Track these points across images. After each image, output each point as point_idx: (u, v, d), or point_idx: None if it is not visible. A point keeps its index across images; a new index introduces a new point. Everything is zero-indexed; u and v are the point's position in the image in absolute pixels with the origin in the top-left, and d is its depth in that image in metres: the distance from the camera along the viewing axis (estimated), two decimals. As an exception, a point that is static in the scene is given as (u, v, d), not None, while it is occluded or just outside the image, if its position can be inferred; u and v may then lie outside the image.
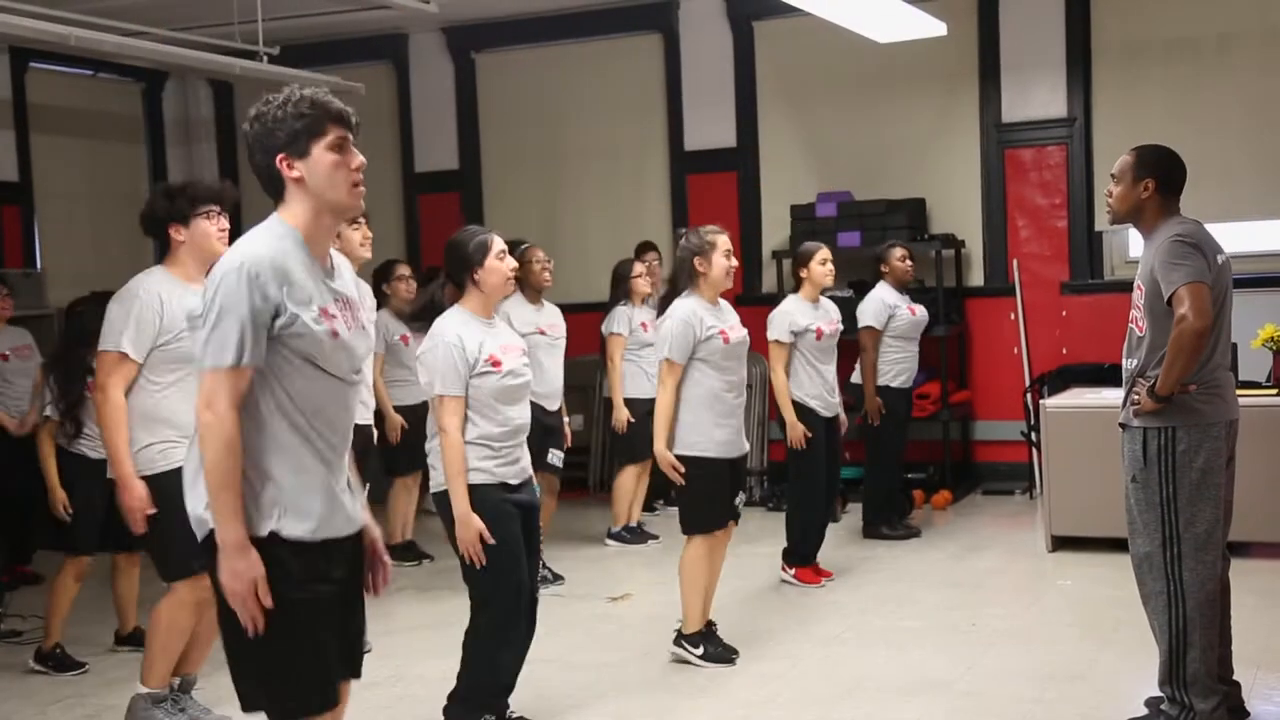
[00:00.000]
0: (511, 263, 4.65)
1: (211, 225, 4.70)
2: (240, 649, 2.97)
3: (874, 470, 7.81)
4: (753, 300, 9.78)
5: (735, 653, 5.47)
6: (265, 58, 9.19)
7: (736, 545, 7.87)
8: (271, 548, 2.89)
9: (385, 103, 10.74)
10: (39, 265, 9.89)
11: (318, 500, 2.96)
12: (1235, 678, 4.53)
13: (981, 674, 5.20)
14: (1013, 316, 9.17)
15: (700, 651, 5.44)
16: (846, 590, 6.63)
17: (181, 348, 4.50)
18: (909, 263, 7.83)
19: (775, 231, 9.65)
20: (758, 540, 8.06)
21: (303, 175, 2.97)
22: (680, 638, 5.50)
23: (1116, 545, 5.25)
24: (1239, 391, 4.50)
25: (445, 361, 4.39)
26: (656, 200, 10.13)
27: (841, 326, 6.93)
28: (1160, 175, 4.36)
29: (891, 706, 4.89)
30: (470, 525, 4.38)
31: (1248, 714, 4.52)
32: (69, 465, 5.69)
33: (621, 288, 8.05)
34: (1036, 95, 9.10)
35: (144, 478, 4.61)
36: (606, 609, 6.48)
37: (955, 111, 9.28)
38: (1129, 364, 4.44)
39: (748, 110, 9.80)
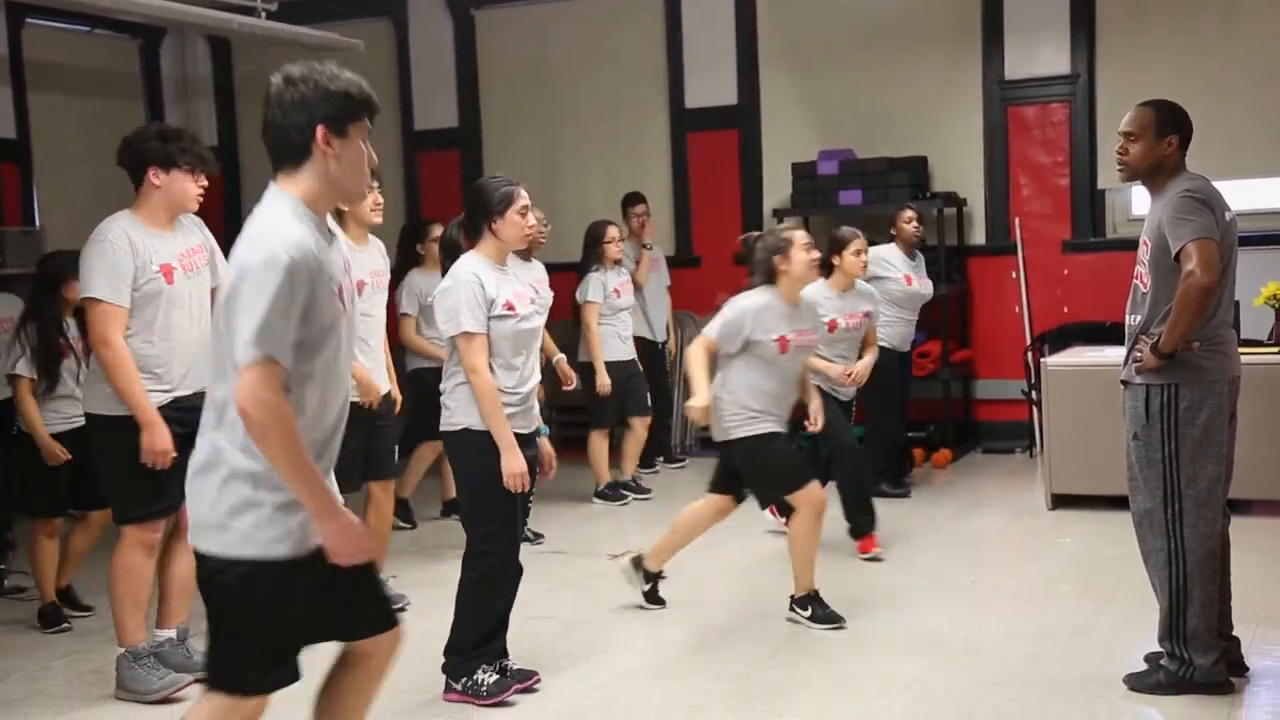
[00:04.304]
0: (532, 220, 4.66)
1: (192, 182, 4.69)
2: None
3: (870, 430, 7.78)
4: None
5: (842, 619, 5.36)
6: (263, 14, 9.13)
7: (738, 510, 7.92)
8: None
9: (384, 60, 10.66)
10: (37, 223, 9.86)
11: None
12: (1235, 634, 4.55)
13: (982, 632, 5.22)
14: (1014, 275, 9.14)
15: (809, 614, 5.38)
16: (846, 550, 6.64)
17: (147, 290, 4.57)
18: (915, 225, 7.79)
19: (776, 190, 9.61)
20: (750, 504, 8.08)
21: (335, 154, 2.97)
22: (792, 602, 5.45)
23: (1116, 503, 5.26)
24: (1240, 349, 4.48)
25: (467, 298, 4.41)
26: (657, 158, 10.08)
27: (867, 320, 6.61)
28: (1183, 130, 4.33)
29: (892, 665, 4.91)
30: (516, 458, 4.42)
31: (1247, 669, 4.54)
32: (29, 443, 5.71)
33: (594, 251, 7.96)
34: (1040, 52, 9.04)
35: (100, 417, 4.66)
36: (607, 566, 6.49)
37: (958, 68, 9.22)
38: (1132, 320, 4.42)
39: (749, 68, 9.74)
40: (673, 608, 5.69)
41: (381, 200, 5.52)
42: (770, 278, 5.42)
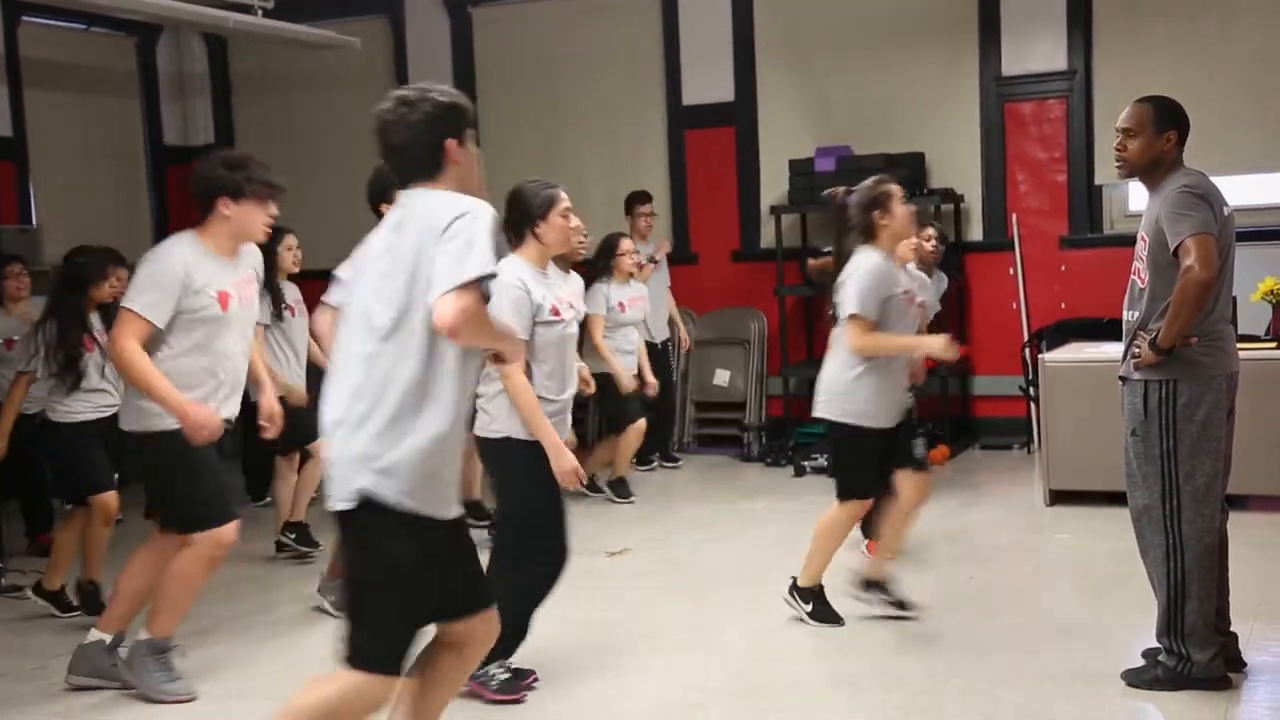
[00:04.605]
0: (576, 222, 4.64)
1: (262, 212, 4.73)
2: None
3: None
4: (750, 256, 9.78)
5: (841, 619, 5.29)
6: (260, 11, 9.13)
7: (735, 501, 7.94)
8: None
9: (381, 57, 10.66)
10: (34, 221, 9.85)
11: None
12: (1232, 629, 4.55)
13: (979, 628, 5.22)
14: (1012, 271, 9.15)
15: (809, 609, 5.29)
16: (844, 545, 6.64)
17: (202, 315, 4.59)
18: (934, 244, 7.18)
19: (773, 187, 9.61)
20: (755, 495, 8.09)
21: (462, 161, 3.32)
22: (794, 589, 5.34)
23: (1114, 499, 5.27)
24: (1238, 345, 4.48)
25: (512, 302, 4.39)
26: (654, 156, 10.07)
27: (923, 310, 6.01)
28: (1181, 126, 4.33)
29: (889, 659, 4.91)
30: (566, 455, 4.40)
31: (1244, 664, 4.54)
32: (55, 432, 5.75)
33: (607, 262, 7.86)
34: (1037, 48, 9.04)
35: (152, 434, 4.64)
36: (606, 564, 6.49)
37: (955, 65, 9.22)
38: (1130, 316, 4.42)
39: (746, 65, 9.74)
40: (670, 606, 5.69)
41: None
42: (869, 235, 5.13)
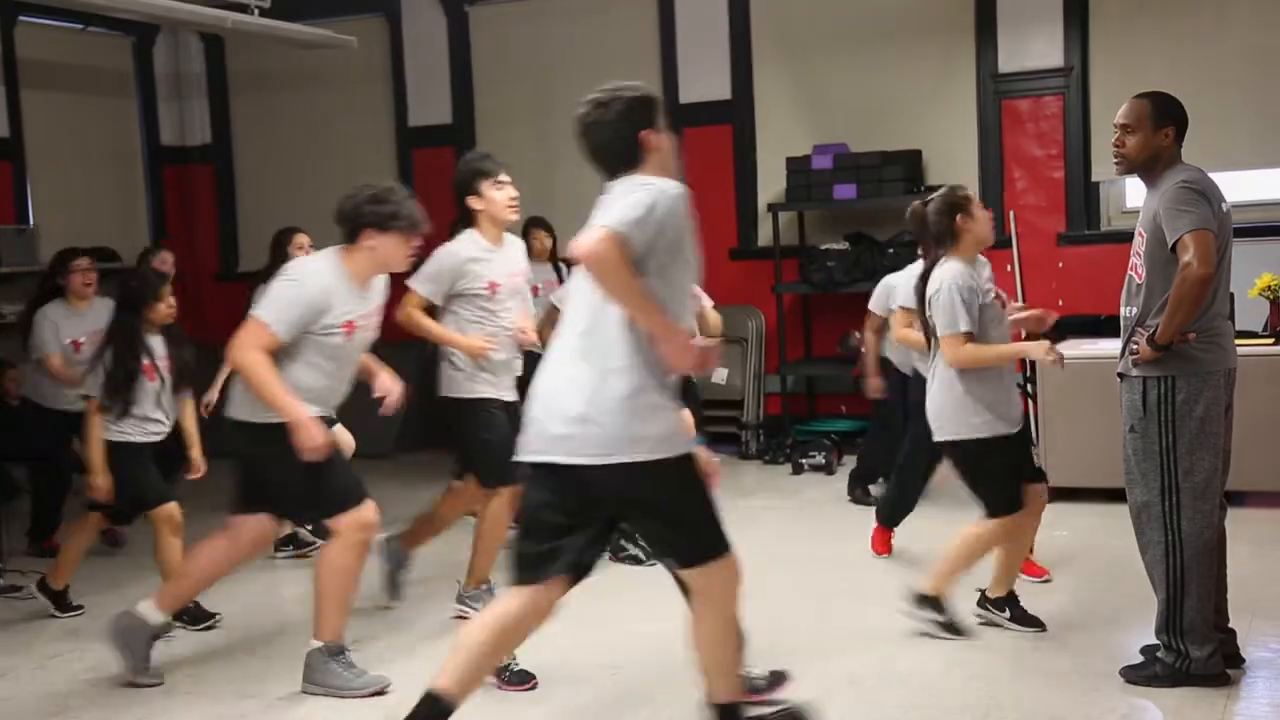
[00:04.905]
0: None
1: (405, 246, 4.79)
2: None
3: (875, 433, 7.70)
4: (747, 254, 9.78)
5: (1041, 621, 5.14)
6: (257, 11, 9.12)
7: (733, 499, 7.92)
8: None
9: (378, 56, 10.66)
10: (31, 221, 9.84)
11: None
12: (1230, 625, 4.56)
13: (977, 624, 5.22)
14: (1009, 268, 9.12)
15: (1006, 615, 5.15)
16: (841, 543, 6.65)
17: (326, 340, 4.70)
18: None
19: (771, 185, 9.60)
20: (753, 494, 8.09)
21: (660, 148, 3.66)
22: (985, 600, 5.20)
23: (1112, 496, 5.27)
24: (1236, 341, 4.49)
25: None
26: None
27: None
28: (1179, 121, 4.33)
29: (889, 656, 4.92)
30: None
31: (1242, 661, 4.55)
32: (112, 451, 5.64)
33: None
34: (1033, 45, 9.03)
35: (268, 425, 4.65)
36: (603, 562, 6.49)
37: (952, 62, 9.22)
38: (1127, 312, 4.43)
39: (743, 62, 9.73)
40: (665, 604, 5.67)
41: (517, 195, 5.47)
42: (952, 241, 5.02)
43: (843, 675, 4.76)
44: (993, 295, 5.01)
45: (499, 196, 5.37)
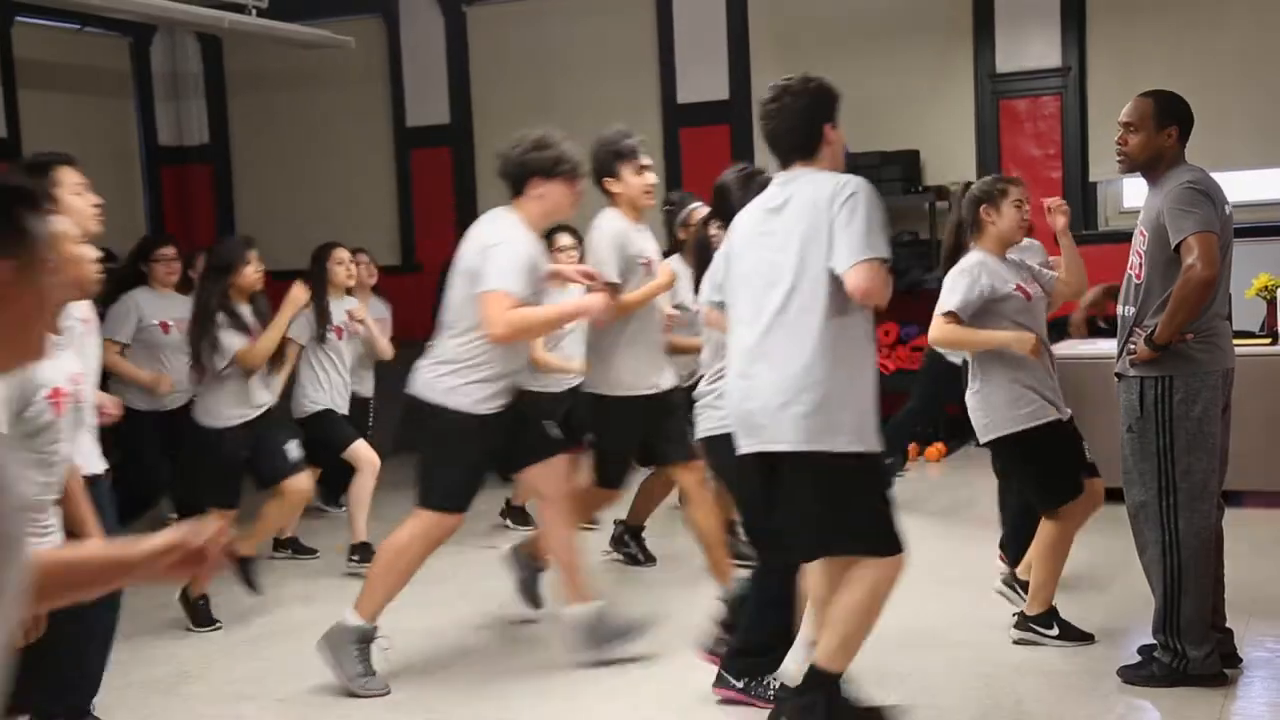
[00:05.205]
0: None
1: (571, 189, 4.79)
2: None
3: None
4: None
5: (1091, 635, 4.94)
6: (254, 11, 9.12)
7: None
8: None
9: (375, 56, 10.66)
10: (29, 222, 9.83)
11: None
12: (1228, 625, 4.56)
13: (976, 624, 5.23)
14: (1006, 268, 9.15)
15: (1055, 632, 4.89)
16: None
17: (537, 295, 4.70)
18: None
19: (768, 184, 9.60)
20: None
21: (834, 142, 3.83)
22: (1026, 620, 4.94)
23: (1110, 495, 5.26)
24: (1233, 341, 4.49)
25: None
26: (650, 153, 10.00)
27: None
28: (1182, 121, 4.33)
29: (888, 657, 4.89)
30: None
31: (1239, 660, 4.55)
32: (198, 435, 5.70)
33: None
34: (1031, 45, 9.05)
35: (446, 410, 4.63)
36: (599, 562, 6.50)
37: (949, 62, 9.23)
38: (1125, 311, 4.42)
39: (740, 62, 9.75)
40: (665, 603, 5.69)
41: (655, 181, 5.38)
42: (976, 230, 4.89)
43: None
44: (1013, 286, 4.80)
45: (638, 181, 5.25)
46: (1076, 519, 4.88)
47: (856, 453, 3.74)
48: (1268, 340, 6.89)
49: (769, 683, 4.28)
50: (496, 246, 4.61)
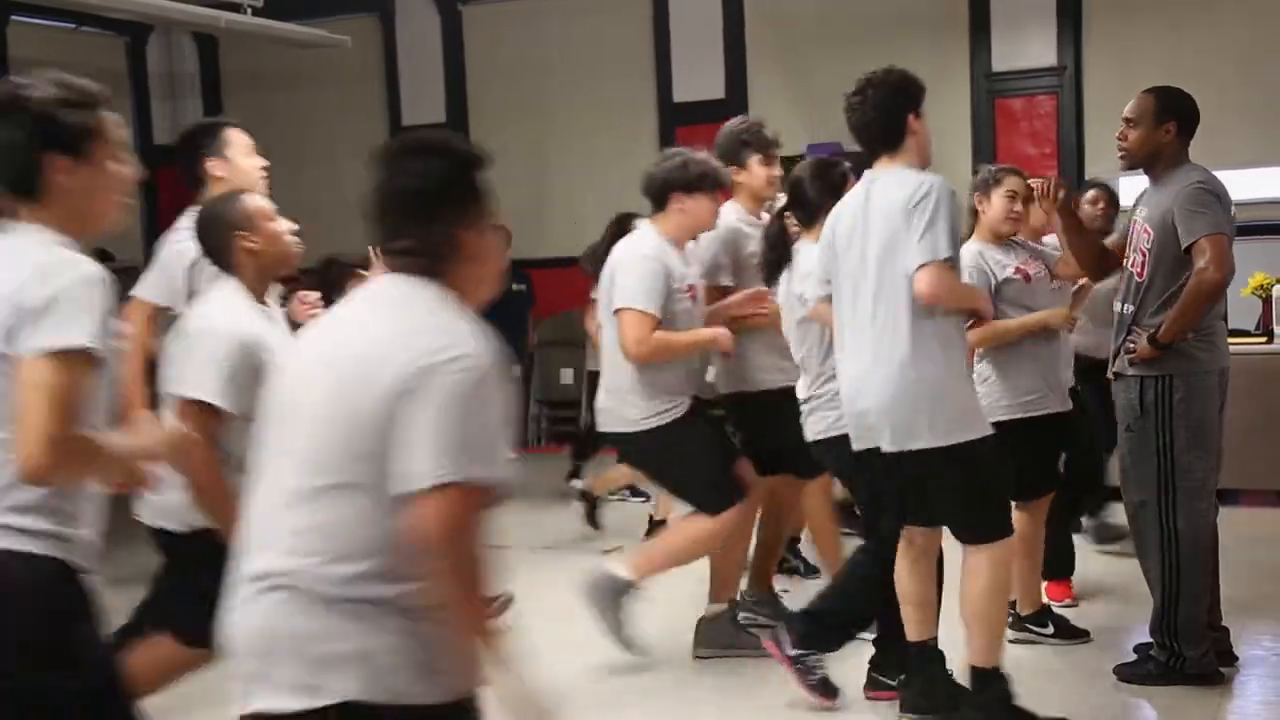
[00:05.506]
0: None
1: (713, 204, 4.80)
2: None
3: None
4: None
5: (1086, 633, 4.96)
6: (250, 10, 9.11)
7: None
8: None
9: (371, 56, 10.66)
10: (25, 222, 9.83)
11: None
12: (1224, 624, 4.56)
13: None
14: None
15: (1051, 630, 4.91)
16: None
17: (678, 308, 4.68)
18: (1100, 207, 6.31)
19: (765, 183, 9.61)
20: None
21: (920, 133, 3.85)
22: (1021, 620, 4.90)
23: (1108, 495, 5.29)
24: (1228, 340, 4.50)
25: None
26: (645, 152, 10.02)
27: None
28: (1181, 118, 4.33)
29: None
30: None
31: (1236, 659, 4.56)
32: None
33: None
34: (1027, 44, 9.06)
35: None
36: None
37: (945, 61, 9.22)
38: (1123, 309, 4.40)
39: (736, 61, 9.75)
40: (669, 604, 5.68)
41: (779, 175, 5.22)
42: (972, 218, 4.81)
43: (839, 674, 4.76)
44: (1012, 270, 4.72)
45: (763, 172, 5.12)
46: (1044, 510, 4.87)
47: (966, 441, 3.79)
48: (1263, 339, 6.89)
49: (816, 665, 4.34)
50: (627, 263, 4.71)
